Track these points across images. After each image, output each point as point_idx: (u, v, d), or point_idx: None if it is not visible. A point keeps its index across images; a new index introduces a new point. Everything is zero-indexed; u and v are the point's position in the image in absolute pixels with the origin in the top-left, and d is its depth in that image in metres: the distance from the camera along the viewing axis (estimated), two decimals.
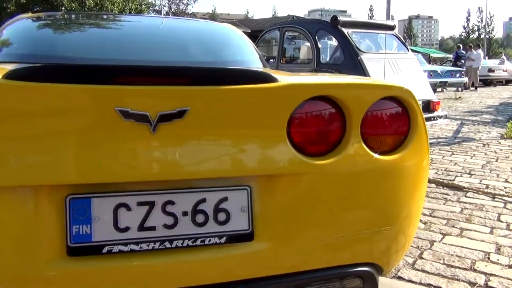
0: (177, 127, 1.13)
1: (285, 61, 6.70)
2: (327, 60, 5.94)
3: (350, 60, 5.17)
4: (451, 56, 25.27)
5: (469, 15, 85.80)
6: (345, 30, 5.36)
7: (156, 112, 1.10)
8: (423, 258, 2.40)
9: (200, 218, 1.19)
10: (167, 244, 1.16)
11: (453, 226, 2.89)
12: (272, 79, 1.22)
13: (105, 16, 3.41)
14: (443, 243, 2.62)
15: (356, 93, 1.33)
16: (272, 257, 1.27)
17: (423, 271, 2.25)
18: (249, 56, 2.37)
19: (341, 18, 5.48)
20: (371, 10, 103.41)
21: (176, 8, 34.89)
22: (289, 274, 1.32)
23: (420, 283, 2.13)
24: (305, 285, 1.35)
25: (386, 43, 5.49)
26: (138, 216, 1.14)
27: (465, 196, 3.54)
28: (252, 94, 1.20)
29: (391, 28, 5.86)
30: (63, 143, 1.08)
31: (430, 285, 2.12)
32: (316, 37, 5.71)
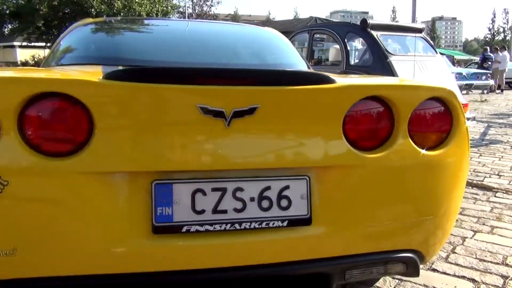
0: (248, 123, 1.29)
1: (313, 62, 6.82)
2: (356, 62, 6.03)
3: (379, 62, 5.25)
4: (475, 58, 24.92)
5: (494, 17, 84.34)
6: (374, 33, 5.45)
7: (231, 109, 1.26)
8: (455, 253, 2.50)
9: (265, 203, 1.34)
10: (237, 226, 1.32)
11: (483, 224, 2.97)
12: (331, 81, 1.37)
13: (164, 22, 3.64)
14: (474, 239, 2.71)
15: (405, 94, 1.47)
16: (326, 240, 1.42)
17: (457, 264, 2.35)
18: (295, 58, 2.53)
19: (371, 21, 5.57)
20: (393, 11, 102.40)
21: (199, 10, 35.32)
22: (339, 257, 1.46)
23: (454, 275, 2.24)
24: (352, 268, 1.49)
25: (414, 45, 5.56)
26: (212, 200, 1.30)
27: (495, 196, 3.61)
28: (313, 94, 1.34)
29: (420, 31, 5.92)
30: (152, 135, 1.24)
31: (464, 277, 2.22)
32: (346, 40, 5.81)
